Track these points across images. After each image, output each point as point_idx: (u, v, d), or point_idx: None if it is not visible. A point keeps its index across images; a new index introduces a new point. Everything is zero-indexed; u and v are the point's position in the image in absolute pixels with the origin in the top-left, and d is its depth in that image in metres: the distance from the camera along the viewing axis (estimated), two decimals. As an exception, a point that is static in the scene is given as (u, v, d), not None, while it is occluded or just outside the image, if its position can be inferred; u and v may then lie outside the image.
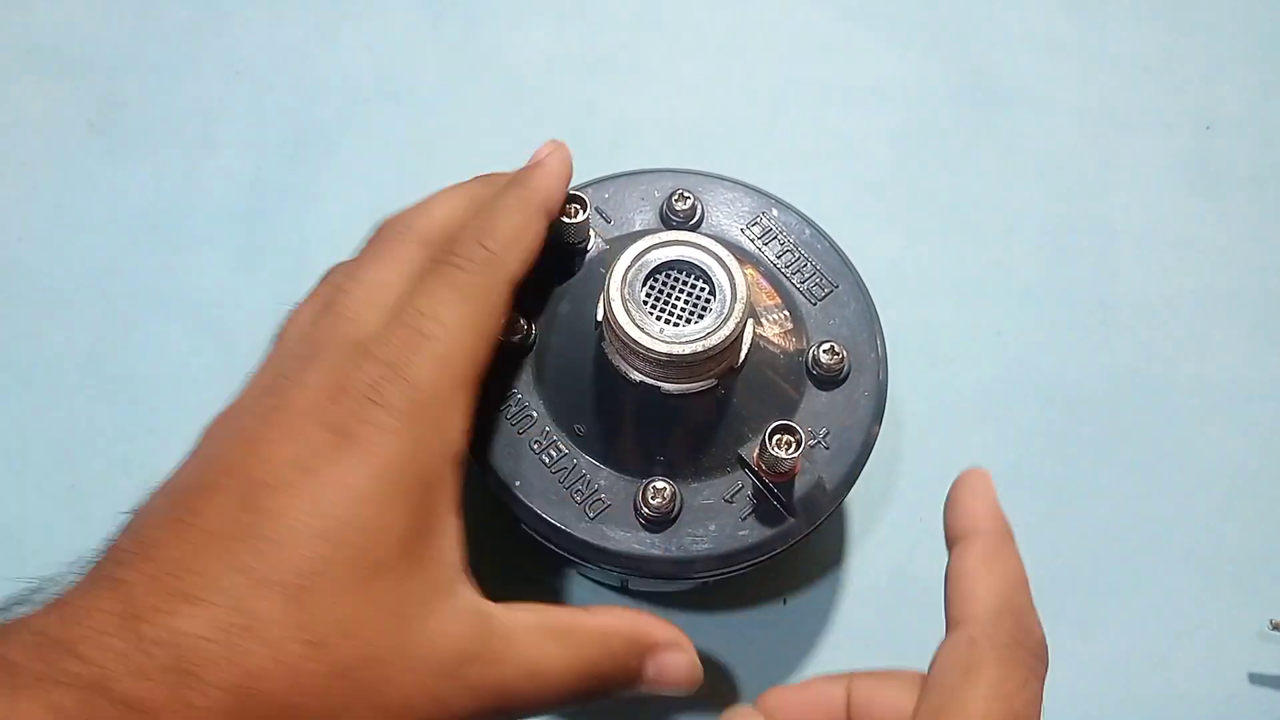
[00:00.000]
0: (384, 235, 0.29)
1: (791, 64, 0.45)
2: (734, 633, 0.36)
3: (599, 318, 0.29)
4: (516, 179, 0.30)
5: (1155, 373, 0.40)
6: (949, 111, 0.44)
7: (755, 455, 0.29)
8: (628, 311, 0.27)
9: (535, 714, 0.26)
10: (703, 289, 0.28)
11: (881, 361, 0.31)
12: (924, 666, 0.24)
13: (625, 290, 0.27)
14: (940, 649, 0.24)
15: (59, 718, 0.20)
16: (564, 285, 0.31)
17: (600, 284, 0.28)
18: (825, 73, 0.45)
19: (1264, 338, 0.41)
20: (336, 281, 0.28)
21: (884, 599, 0.36)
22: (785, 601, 0.36)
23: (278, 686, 0.22)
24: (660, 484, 0.29)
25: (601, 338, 0.29)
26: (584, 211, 0.31)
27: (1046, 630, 0.36)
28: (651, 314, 0.28)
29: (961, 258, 0.42)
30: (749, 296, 0.28)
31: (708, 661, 0.33)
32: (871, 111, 0.44)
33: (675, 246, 0.28)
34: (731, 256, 0.28)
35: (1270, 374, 0.40)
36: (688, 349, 0.27)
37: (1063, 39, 0.45)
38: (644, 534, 0.29)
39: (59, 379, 0.39)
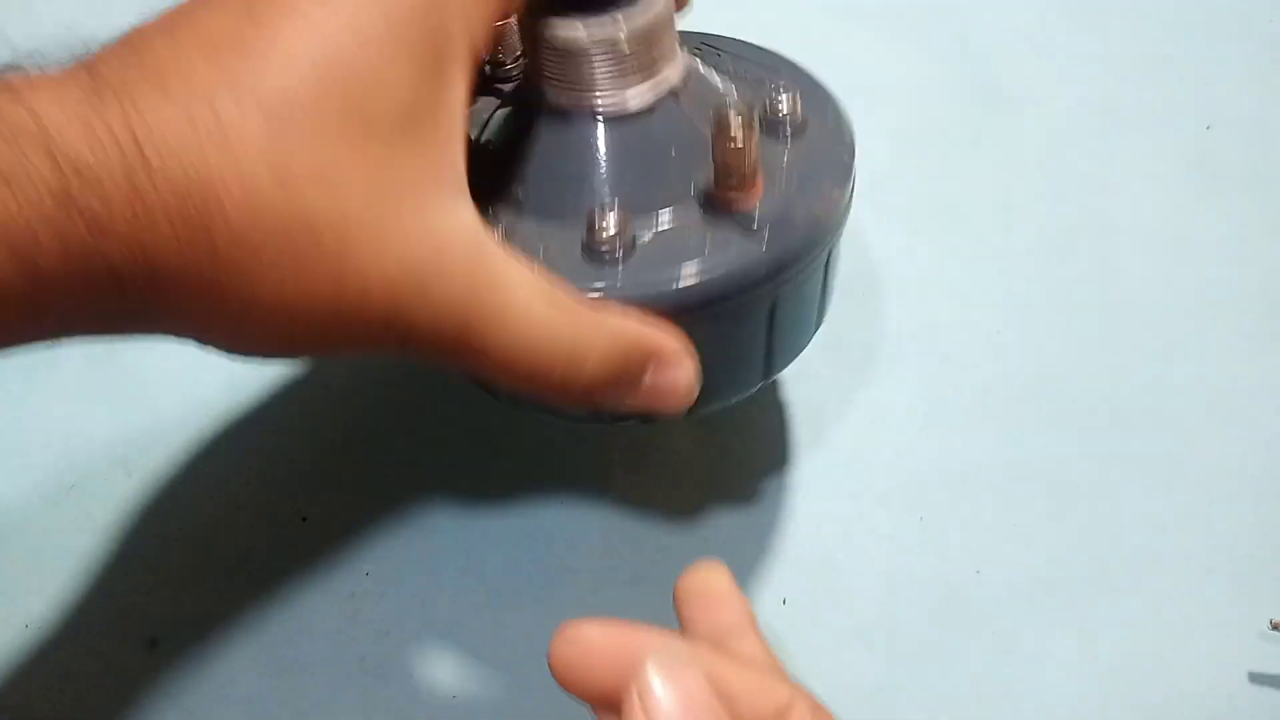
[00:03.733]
0: None
1: (791, 64, 0.45)
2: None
3: (517, 54, 0.29)
4: None
5: (1155, 373, 0.40)
6: (949, 111, 0.44)
7: (711, 178, 0.27)
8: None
9: (492, 383, 0.22)
10: None
11: (842, 123, 0.32)
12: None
13: None
14: None
15: None
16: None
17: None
18: (824, 73, 0.44)
19: (1264, 338, 0.41)
20: None
21: (885, 600, 0.36)
22: (785, 602, 0.36)
23: (234, 209, 0.20)
24: (609, 219, 0.26)
25: (526, 83, 0.29)
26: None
27: (1047, 630, 0.36)
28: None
29: (961, 257, 0.42)
30: None
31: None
32: (871, 111, 0.44)
33: None
34: None
35: (1270, 374, 0.40)
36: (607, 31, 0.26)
37: (1063, 38, 0.45)
38: (594, 271, 0.26)
39: (59, 379, 0.39)
